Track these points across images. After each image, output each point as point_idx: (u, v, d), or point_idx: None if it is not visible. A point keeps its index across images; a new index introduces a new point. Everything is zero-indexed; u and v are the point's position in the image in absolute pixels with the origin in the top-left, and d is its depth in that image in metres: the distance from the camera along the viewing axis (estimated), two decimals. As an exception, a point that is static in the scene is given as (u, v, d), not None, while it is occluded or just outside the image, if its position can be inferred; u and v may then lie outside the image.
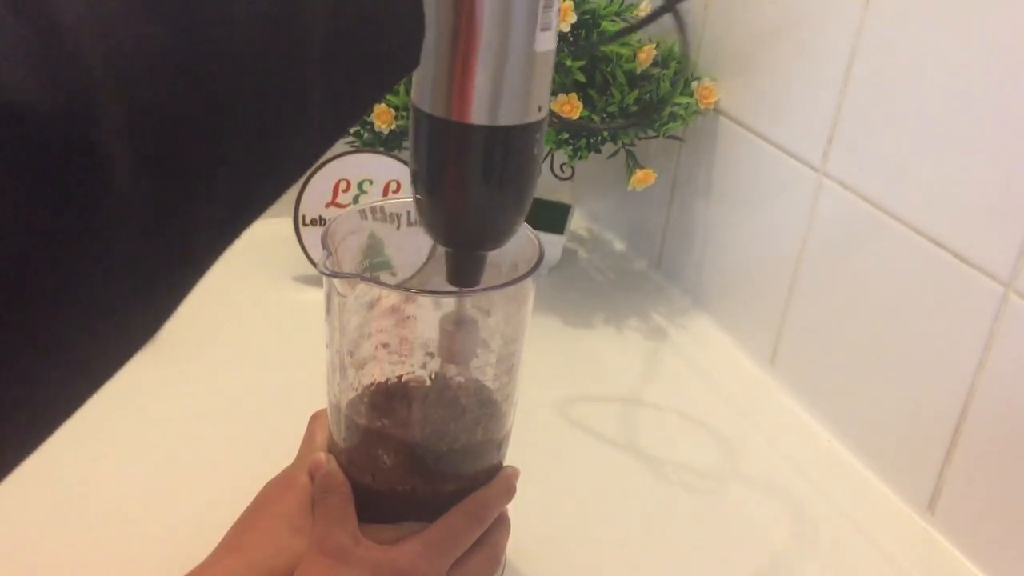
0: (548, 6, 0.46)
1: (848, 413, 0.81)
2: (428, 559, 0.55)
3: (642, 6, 0.90)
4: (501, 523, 0.61)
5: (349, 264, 0.58)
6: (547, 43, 0.47)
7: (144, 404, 0.77)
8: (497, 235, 0.52)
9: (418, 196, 0.51)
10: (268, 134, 0.38)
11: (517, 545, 0.65)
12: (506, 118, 0.47)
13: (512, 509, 0.61)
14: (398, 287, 0.56)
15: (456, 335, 0.55)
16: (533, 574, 0.66)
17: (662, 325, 0.96)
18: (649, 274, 1.05)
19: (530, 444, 0.64)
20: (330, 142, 0.43)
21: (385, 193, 0.93)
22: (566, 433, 0.80)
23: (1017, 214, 0.65)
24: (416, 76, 0.48)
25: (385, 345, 0.59)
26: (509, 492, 0.60)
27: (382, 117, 0.88)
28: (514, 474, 0.61)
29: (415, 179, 0.50)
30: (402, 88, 0.88)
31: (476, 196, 0.50)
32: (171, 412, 0.77)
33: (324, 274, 0.53)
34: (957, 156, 0.69)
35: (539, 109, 0.48)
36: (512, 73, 0.46)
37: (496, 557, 0.60)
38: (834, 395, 0.82)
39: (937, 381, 0.72)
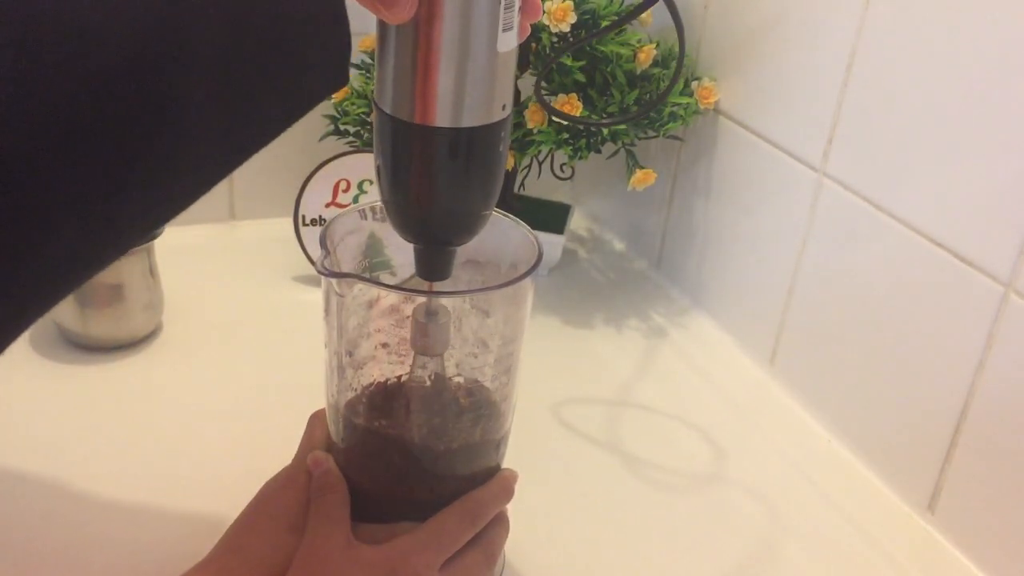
0: (509, 6, 0.46)
1: (848, 413, 0.81)
2: (419, 556, 0.55)
3: (642, 6, 0.90)
4: (499, 523, 0.60)
5: (348, 264, 0.58)
6: (509, 43, 0.47)
7: (144, 402, 0.77)
8: (465, 231, 0.52)
9: (384, 195, 0.51)
10: (113, 182, 0.34)
11: (517, 545, 0.65)
12: (470, 119, 0.47)
13: (512, 509, 0.61)
14: (396, 287, 0.56)
15: (428, 327, 0.55)
16: (532, 574, 0.66)
17: (662, 325, 0.96)
18: (649, 274, 1.05)
19: (530, 444, 0.64)
20: (225, 170, 0.40)
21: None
22: (566, 433, 0.80)
23: (1017, 214, 0.65)
24: (378, 77, 0.48)
25: (384, 345, 0.58)
26: (506, 494, 0.60)
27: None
28: (512, 476, 0.61)
29: (380, 178, 0.50)
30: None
31: (442, 196, 0.50)
32: (171, 411, 0.77)
33: (322, 274, 0.53)
34: (957, 156, 0.69)
35: (503, 108, 0.48)
36: (475, 74, 0.46)
37: (492, 557, 0.60)
38: (834, 395, 0.82)
39: (937, 381, 0.72)
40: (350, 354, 0.58)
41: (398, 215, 0.51)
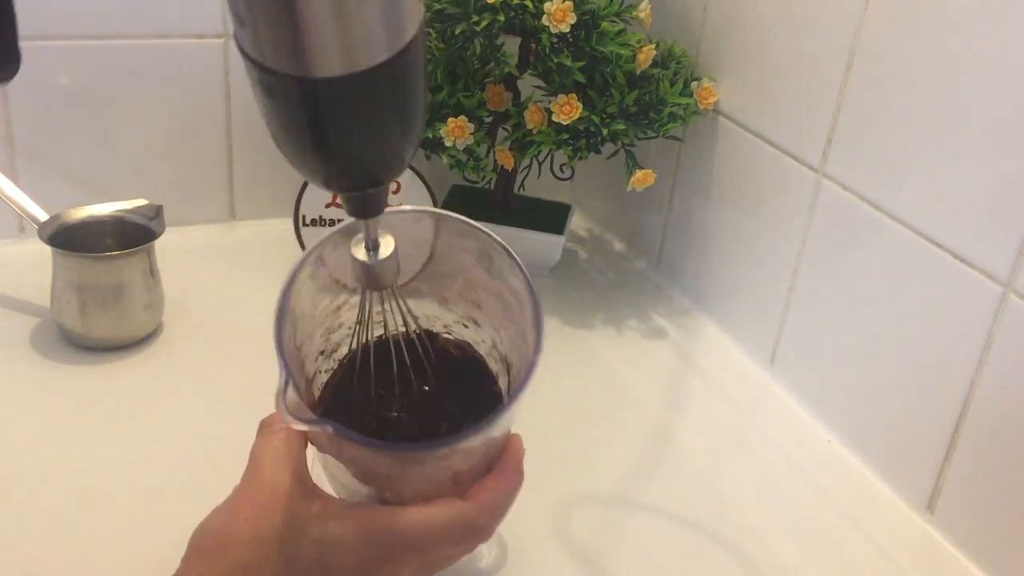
0: None
1: (848, 413, 0.81)
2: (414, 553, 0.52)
3: (641, 6, 0.90)
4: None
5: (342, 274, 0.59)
6: None
7: (144, 402, 0.77)
8: (392, 169, 0.46)
9: (290, 159, 0.45)
10: None
11: (516, 544, 0.65)
12: (367, 59, 0.40)
13: (511, 507, 0.61)
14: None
15: (371, 266, 0.50)
16: (528, 571, 0.66)
17: (662, 325, 0.96)
18: (649, 274, 1.05)
19: (527, 444, 0.64)
20: None
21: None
22: (564, 433, 0.80)
23: (1016, 215, 0.65)
24: (252, 26, 0.40)
25: (349, 327, 0.60)
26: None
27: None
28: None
29: (278, 142, 0.44)
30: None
31: (354, 148, 0.44)
32: (171, 411, 0.77)
33: (287, 420, 0.48)
34: (956, 156, 0.69)
35: (419, 21, 0.42)
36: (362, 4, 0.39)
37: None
38: (834, 395, 0.82)
39: (937, 381, 0.72)
40: (327, 343, 0.60)
41: (313, 175, 0.46)
